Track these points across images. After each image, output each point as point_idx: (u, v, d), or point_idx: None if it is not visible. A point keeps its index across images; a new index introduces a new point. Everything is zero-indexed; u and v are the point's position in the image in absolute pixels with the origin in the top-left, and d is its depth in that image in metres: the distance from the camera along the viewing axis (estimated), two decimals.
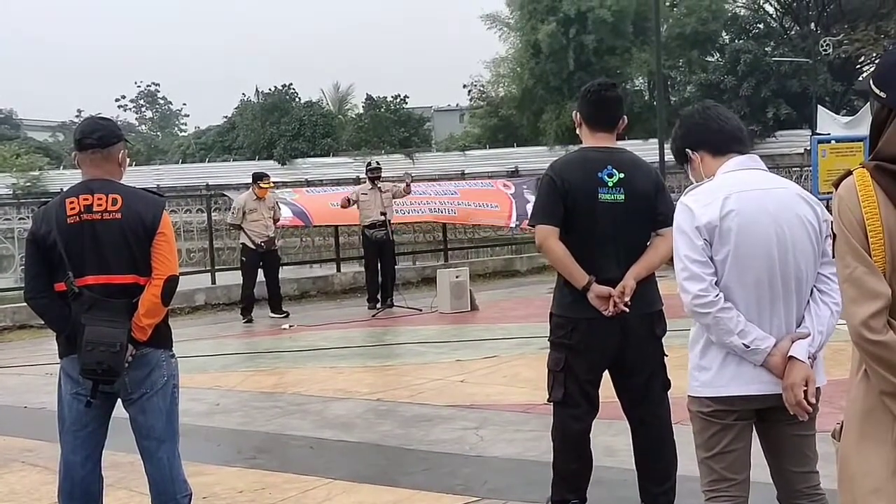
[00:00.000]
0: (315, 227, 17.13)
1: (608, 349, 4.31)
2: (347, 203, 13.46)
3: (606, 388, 4.50)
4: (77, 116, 70.03)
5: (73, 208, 3.85)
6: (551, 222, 4.29)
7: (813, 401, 3.10)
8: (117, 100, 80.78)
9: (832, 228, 2.32)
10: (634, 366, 4.36)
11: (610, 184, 4.26)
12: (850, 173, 2.27)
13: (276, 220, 13.08)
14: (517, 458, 5.72)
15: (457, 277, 12.74)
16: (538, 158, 38.35)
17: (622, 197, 4.25)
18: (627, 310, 4.19)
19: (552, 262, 4.40)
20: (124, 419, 4.07)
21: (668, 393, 4.45)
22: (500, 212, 17.59)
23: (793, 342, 3.13)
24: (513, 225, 17.50)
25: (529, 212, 4.93)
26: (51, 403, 4.40)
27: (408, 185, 13.65)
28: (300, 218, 15.06)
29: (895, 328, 2.16)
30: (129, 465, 5.24)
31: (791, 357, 3.10)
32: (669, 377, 4.45)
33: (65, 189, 4.11)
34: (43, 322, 4.17)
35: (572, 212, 4.26)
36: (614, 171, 4.27)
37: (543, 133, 46.02)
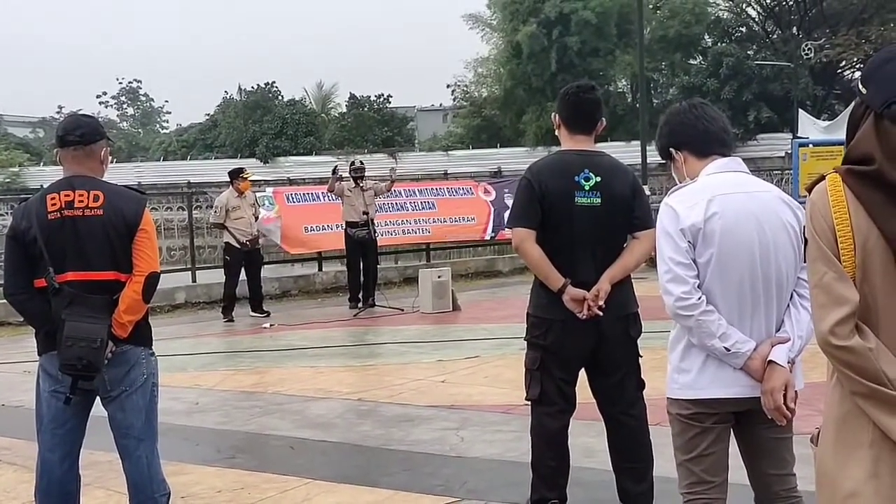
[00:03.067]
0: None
1: (583, 350, 4.34)
2: (332, 188, 13.40)
3: (585, 390, 4.53)
4: (58, 112, 69.46)
5: (54, 204, 3.84)
6: (528, 225, 4.31)
7: (792, 405, 3.11)
8: (99, 96, 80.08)
9: (804, 233, 2.33)
10: (609, 366, 4.40)
11: (587, 187, 4.28)
12: (823, 178, 2.28)
13: (256, 218, 13.05)
14: (498, 458, 5.73)
15: (439, 277, 12.75)
16: (520, 159, 38.36)
17: (598, 200, 4.28)
18: (601, 313, 4.22)
19: (528, 265, 4.44)
20: (102, 418, 4.05)
21: (647, 394, 4.48)
22: (475, 225, 17.52)
23: (773, 346, 3.15)
24: (487, 237, 17.55)
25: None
26: (29, 401, 4.38)
27: (391, 182, 13.65)
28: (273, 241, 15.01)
29: (863, 332, 2.17)
30: (107, 464, 5.22)
31: (771, 361, 3.12)
32: (646, 378, 4.49)
33: (45, 186, 4.09)
34: (22, 319, 4.14)
35: (549, 215, 4.28)
36: (591, 174, 4.29)
37: (524, 134, 46.08)
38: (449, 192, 18.25)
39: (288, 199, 15.71)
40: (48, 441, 3.96)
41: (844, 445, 2.23)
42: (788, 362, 3.13)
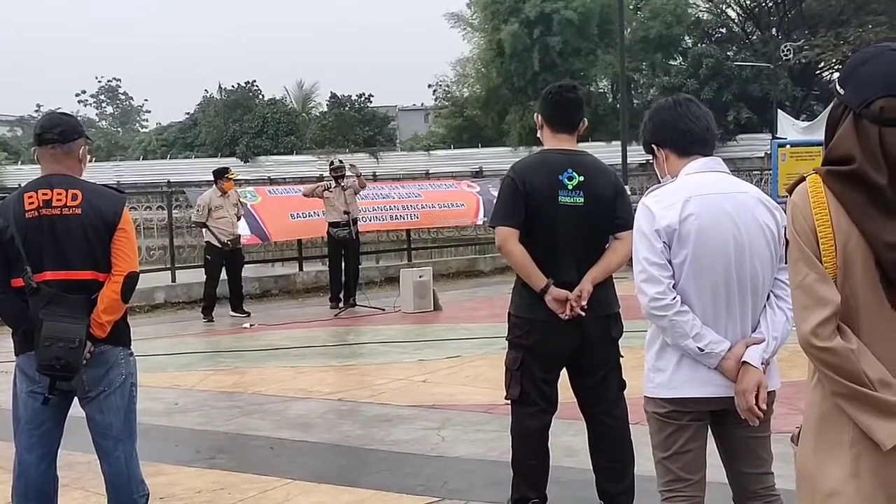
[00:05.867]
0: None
1: (564, 350, 4.35)
2: (311, 193, 13.44)
3: (567, 389, 4.53)
4: (36, 111, 68.99)
5: (31, 203, 3.81)
6: (511, 224, 4.30)
7: (764, 406, 3.12)
8: (77, 94, 79.67)
9: (785, 235, 2.33)
10: (590, 366, 4.40)
11: (570, 186, 4.28)
12: (803, 179, 2.29)
13: (239, 217, 12.99)
14: (479, 458, 5.73)
15: (420, 277, 12.74)
16: (502, 159, 38.43)
17: (581, 200, 4.27)
18: (584, 313, 4.22)
19: (511, 265, 4.43)
20: (80, 418, 4.02)
21: (627, 394, 4.48)
22: (465, 210, 17.61)
23: (747, 347, 3.16)
24: (479, 222, 17.45)
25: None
26: (6, 402, 4.33)
27: (359, 177, 13.42)
28: (258, 235, 14.84)
29: (844, 333, 2.18)
30: (85, 465, 5.19)
31: (744, 362, 3.13)
32: (626, 377, 4.49)
33: (23, 184, 4.06)
34: None
35: (532, 214, 4.28)
36: (574, 174, 4.29)
37: (507, 134, 46.15)
38: (432, 187, 18.39)
39: (270, 192, 15.86)
40: (25, 442, 3.93)
41: (825, 445, 2.24)
42: (762, 363, 3.14)
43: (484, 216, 16.98)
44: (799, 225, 2.24)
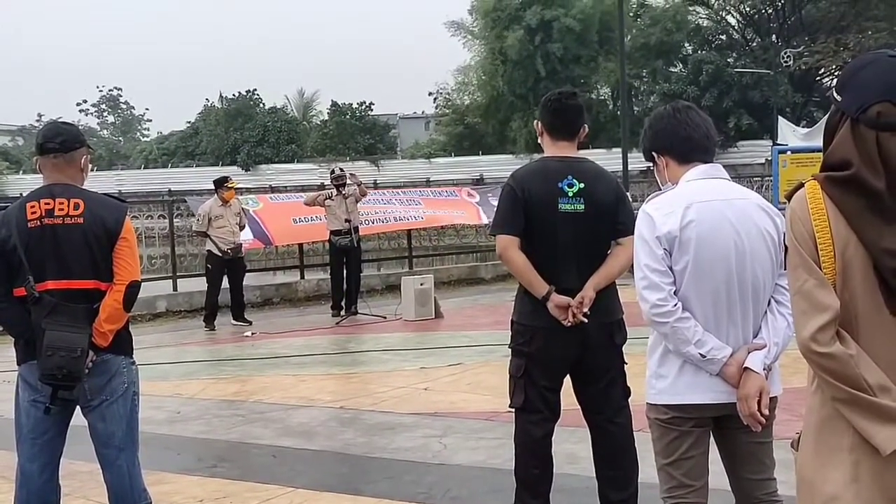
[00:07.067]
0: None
1: (567, 357, 4.34)
2: (313, 202, 13.49)
3: (570, 396, 4.52)
4: (38, 120, 69.26)
5: (34, 212, 3.82)
6: (512, 232, 4.31)
7: (766, 412, 3.13)
8: (79, 104, 79.87)
9: (784, 241, 2.34)
10: (593, 373, 4.39)
11: (570, 194, 4.27)
12: (802, 185, 2.30)
13: (241, 227, 12.99)
14: (480, 465, 5.73)
15: (421, 285, 12.75)
16: (503, 166, 38.47)
17: (582, 207, 4.27)
18: (586, 320, 4.21)
19: (513, 272, 4.43)
20: (82, 427, 4.02)
21: (631, 400, 4.47)
22: (465, 216, 17.80)
23: (749, 353, 3.17)
24: (484, 222, 17.49)
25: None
26: (8, 411, 4.35)
27: (359, 185, 13.37)
28: (260, 239, 14.88)
29: (843, 339, 2.19)
30: (87, 474, 5.19)
31: (746, 368, 3.14)
32: (630, 384, 4.48)
33: (25, 194, 4.07)
34: (1, 328, 4.11)
35: (533, 222, 4.28)
36: (575, 181, 4.29)
37: (513, 141, 46.19)
38: (433, 194, 18.50)
39: (272, 198, 16.01)
40: (28, 451, 3.93)
41: (824, 449, 2.24)
42: (764, 369, 3.15)
43: (487, 219, 17.10)
44: (798, 231, 2.24)
